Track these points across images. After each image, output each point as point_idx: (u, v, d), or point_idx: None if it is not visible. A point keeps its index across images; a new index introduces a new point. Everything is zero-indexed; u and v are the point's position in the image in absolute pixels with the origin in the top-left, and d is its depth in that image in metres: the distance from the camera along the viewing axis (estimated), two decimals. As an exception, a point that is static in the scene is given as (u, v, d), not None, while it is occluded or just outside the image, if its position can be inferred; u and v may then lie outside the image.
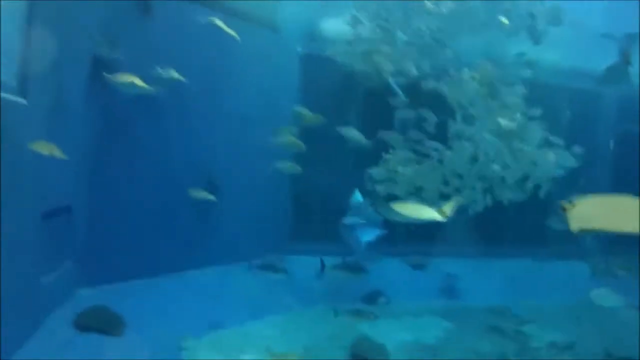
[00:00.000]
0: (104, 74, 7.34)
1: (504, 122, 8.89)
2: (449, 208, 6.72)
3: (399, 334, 8.64)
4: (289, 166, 9.89)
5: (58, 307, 6.79)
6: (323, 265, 9.40)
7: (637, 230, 4.01)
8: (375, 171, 9.84)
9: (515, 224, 12.81)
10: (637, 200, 4.09)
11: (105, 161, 8.08)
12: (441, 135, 10.05)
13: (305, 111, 9.73)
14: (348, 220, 10.50)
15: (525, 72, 11.50)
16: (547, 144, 9.75)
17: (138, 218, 8.54)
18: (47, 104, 6.21)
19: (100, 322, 6.84)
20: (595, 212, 4.13)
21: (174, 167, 9.06)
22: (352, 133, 10.07)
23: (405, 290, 10.77)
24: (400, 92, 10.66)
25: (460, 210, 9.19)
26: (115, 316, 7.02)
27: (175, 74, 7.96)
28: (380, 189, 9.64)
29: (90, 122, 7.80)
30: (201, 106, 9.36)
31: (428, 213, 6.61)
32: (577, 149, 9.88)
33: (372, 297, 10.46)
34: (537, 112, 9.84)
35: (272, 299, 9.71)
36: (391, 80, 10.57)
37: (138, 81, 7.24)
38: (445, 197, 9.02)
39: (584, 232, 4.18)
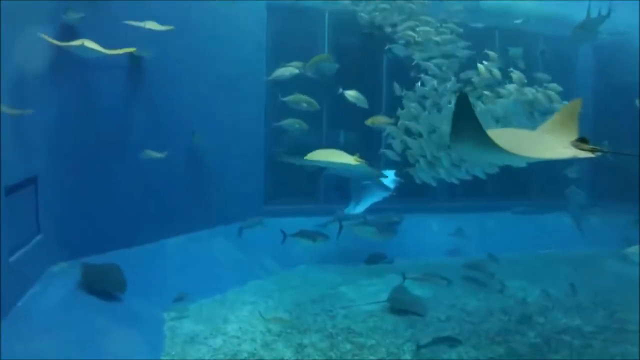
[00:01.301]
0: (53, 40, 6.92)
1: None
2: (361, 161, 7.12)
3: (383, 295, 8.43)
4: (293, 122, 9.59)
5: (29, 287, 6.45)
6: (341, 226, 9.17)
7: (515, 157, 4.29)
8: (391, 129, 9.44)
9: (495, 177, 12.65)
10: (520, 131, 4.28)
11: (73, 126, 7.64)
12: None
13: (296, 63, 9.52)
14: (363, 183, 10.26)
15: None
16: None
17: (111, 186, 8.17)
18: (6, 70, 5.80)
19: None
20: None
21: (147, 131, 8.68)
22: (354, 95, 9.74)
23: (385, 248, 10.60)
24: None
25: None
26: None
27: (156, 26, 7.71)
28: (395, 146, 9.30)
29: (57, 87, 7.39)
30: (172, 69, 8.92)
31: (341, 158, 6.95)
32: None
33: (374, 259, 10.27)
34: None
35: (254, 263, 9.49)
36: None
37: (89, 43, 6.90)
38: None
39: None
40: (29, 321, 5.83)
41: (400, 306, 7.97)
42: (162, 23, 7.85)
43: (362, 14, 10.58)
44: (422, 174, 8.91)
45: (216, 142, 9.80)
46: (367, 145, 11.20)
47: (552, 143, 4.56)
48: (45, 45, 6.88)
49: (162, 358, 6.29)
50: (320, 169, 11.14)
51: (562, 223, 11.99)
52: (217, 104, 9.79)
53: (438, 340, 6.73)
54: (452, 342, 6.77)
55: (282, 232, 8.92)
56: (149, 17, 7.81)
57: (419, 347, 6.61)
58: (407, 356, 6.56)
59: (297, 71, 9.42)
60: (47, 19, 7.03)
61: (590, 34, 10.50)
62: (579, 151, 4.37)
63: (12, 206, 6.05)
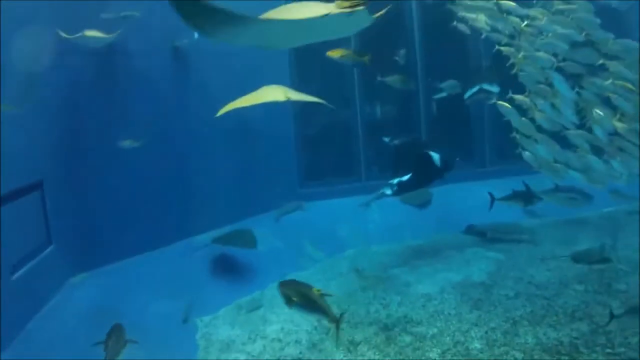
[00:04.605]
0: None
1: None
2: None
3: (444, 274, 7.57)
4: (397, 79, 8.93)
5: (43, 304, 5.80)
6: (492, 199, 8.29)
7: None
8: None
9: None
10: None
11: (86, 123, 7.04)
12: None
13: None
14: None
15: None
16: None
17: (132, 183, 7.47)
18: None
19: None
20: None
21: (167, 123, 7.99)
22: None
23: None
24: None
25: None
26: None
27: None
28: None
29: (64, 83, 6.83)
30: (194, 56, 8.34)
31: (270, 96, 6.85)
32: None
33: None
34: None
35: (295, 253, 8.66)
36: None
37: (90, 32, 6.58)
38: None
39: None
40: (39, 343, 5.18)
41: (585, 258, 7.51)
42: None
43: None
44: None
45: (244, 128, 9.02)
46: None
47: (316, 7, 4.37)
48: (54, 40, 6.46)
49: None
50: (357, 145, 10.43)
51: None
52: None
53: (631, 310, 5.78)
54: None
55: (491, 195, 8.19)
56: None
57: (612, 316, 5.67)
58: (477, 344, 5.65)
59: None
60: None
61: None
62: (334, 9, 4.22)
63: (11, 216, 5.37)
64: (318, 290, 4.47)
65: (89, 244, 6.91)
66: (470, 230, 9.11)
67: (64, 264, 6.51)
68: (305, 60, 9.84)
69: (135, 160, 7.31)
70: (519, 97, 7.13)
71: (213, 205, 8.46)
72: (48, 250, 6.22)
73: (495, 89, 9.27)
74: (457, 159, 8.63)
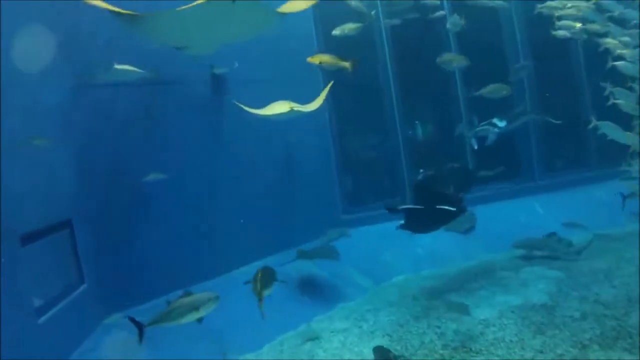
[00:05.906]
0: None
1: None
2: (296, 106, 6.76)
3: (501, 297, 7.07)
4: (496, 88, 8.41)
5: (76, 346, 5.49)
6: (624, 196, 7.95)
7: None
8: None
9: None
10: None
11: (121, 158, 6.81)
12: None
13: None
14: None
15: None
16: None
17: (170, 217, 7.21)
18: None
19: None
20: None
21: (206, 154, 7.78)
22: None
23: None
24: None
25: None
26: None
27: None
28: None
29: (97, 116, 6.62)
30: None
31: (276, 109, 6.67)
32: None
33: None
34: None
35: (341, 283, 8.24)
36: None
37: (119, 66, 6.30)
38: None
39: None
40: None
41: None
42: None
43: None
44: None
45: (285, 157, 8.89)
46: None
47: None
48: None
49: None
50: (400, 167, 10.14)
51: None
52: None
53: None
54: None
55: (622, 195, 7.85)
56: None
57: None
58: (544, 372, 5.13)
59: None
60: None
61: None
62: None
63: (37, 256, 5.11)
64: (259, 273, 5.16)
65: (123, 282, 6.61)
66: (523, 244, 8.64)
67: (97, 304, 6.22)
68: (341, 83, 9.57)
69: (172, 194, 7.09)
70: (620, 103, 6.60)
71: (254, 236, 8.14)
72: (80, 289, 5.93)
73: (502, 123, 9.39)
74: (463, 195, 8.01)
